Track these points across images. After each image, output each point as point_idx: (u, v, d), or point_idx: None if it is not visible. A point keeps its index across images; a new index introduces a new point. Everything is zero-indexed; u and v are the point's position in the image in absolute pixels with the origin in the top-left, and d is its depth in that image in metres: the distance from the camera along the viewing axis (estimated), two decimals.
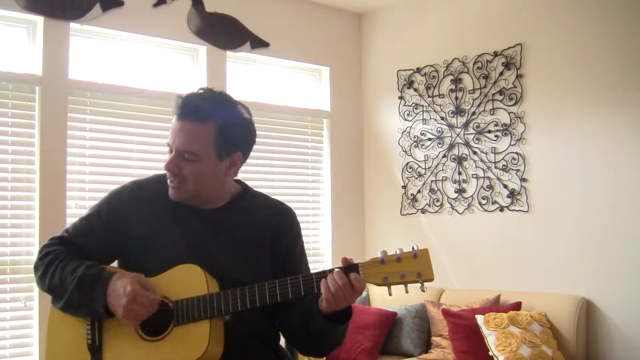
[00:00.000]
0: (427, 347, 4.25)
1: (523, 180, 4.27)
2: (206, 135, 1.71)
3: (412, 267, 1.57)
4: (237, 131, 1.77)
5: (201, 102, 1.73)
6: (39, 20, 3.78)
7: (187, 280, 1.66)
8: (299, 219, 1.92)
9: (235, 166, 1.80)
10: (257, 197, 1.90)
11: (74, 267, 1.70)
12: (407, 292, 1.63)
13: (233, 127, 1.75)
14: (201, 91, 1.77)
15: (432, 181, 4.78)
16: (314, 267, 4.60)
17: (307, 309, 1.68)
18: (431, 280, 1.57)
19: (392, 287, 1.60)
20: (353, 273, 1.58)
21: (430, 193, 4.79)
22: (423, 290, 1.59)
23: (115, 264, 1.85)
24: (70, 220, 3.58)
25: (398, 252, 1.58)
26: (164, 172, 1.85)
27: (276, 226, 1.83)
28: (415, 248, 1.59)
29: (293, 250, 1.85)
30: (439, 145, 4.73)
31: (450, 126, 4.67)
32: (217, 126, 1.72)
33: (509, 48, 4.35)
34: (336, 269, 1.59)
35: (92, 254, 1.78)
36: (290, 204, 1.94)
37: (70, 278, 1.68)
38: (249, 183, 1.93)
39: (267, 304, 1.63)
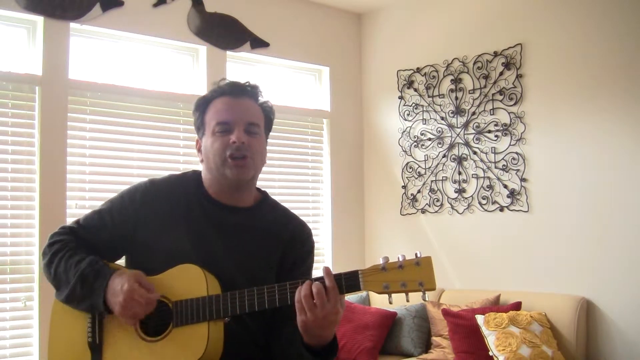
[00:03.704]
0: (427, 347, 4.25)
1: (523, 180, 4.27)
2: (259, 113, 1.81)
3: (414, 275, 1.52)
4: (272, 119, 1.86)
5: (249, 85, 1.81)
6: (39, 20, 3.77)
7: (187, 281, 1.65)
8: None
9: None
10: (277, 209, 1.88)
11: (79, 260, 1.70)
12: (407, 300, 1.59)
13: (271, 115, 1.85)
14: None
15: (432, 181, 4.78)
16: (314, 267, 4.59)
17: (296, 329, 1.63)
18: (433, 289, 1.53)
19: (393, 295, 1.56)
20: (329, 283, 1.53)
21: (430, 193, 4.78)
22: (424, 300, 1.55)
23: (122, 260, 1.85)
24: (70, 221, 3.58)
25: (400, 260, 1.54)
26: (178, 172, 1.86)
27: (289, 241, 1.81)
28: (419, 255, 1.54)
29: (300, 266, 1.82)
30: (439, 145, 4.73)
31: (450, 126, 4.67)
32: (262, 109, 1.82)
33: (509, 48, 4.35)
34: (315, 279, 1.56)
35: (99, 248, 1.78)
36: (290, 204, 1.94)
37: (74, 270, 1.68)
38: None
39: (267, 309, 1.61)
